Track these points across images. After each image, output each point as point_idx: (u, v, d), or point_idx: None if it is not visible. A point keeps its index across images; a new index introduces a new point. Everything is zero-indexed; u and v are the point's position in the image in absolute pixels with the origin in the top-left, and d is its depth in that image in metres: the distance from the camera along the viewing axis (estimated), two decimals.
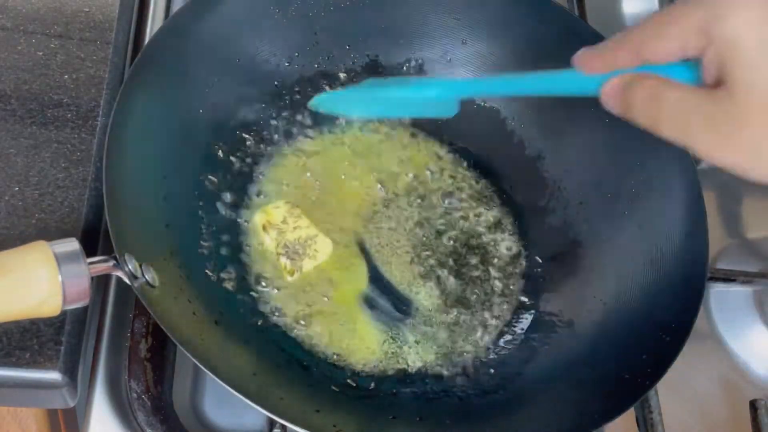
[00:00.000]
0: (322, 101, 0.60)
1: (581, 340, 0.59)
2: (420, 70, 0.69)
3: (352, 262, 0.62)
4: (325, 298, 0.60)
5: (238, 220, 0.61)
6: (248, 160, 0.64)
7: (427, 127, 0.69)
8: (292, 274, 0.59)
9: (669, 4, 0.45)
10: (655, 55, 0.43)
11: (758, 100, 0.39)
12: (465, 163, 0.68)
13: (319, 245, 0.61)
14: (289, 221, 0.61)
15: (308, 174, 0.65)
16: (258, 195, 0.63)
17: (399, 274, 0.62)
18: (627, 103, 0.44)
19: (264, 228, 0.60)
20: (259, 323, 0.57)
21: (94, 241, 0.56)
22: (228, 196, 0.62)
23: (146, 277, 0.50)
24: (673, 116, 0.42)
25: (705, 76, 0.41)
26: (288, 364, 0.56)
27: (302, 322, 0.58)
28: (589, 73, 0.46)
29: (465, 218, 0.65)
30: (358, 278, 0.61)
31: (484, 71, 0.69)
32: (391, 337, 0.59)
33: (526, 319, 0.62)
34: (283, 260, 0.60)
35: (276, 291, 0.59)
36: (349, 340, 0.58)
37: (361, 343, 0.58)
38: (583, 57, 0.46)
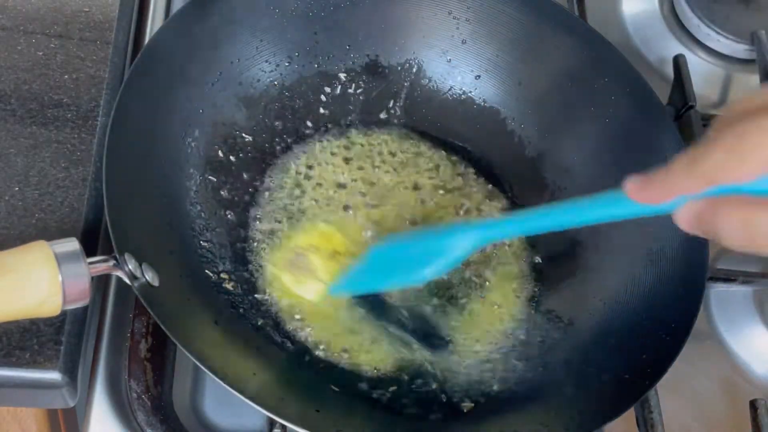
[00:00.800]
0: (340, 289, 0.57)
1: (581, 340, 0.59)
2: (420, 70, 0.69)
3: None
4: (327, 299, 0.60)
5: (239, 220, 0.61)
6: (248, 160, 0.64)
7: (427, 129, 0.69)
8: (274, 265, 0.59)
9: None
10: (732, 180, 0.38)
11: None
12: (464, 163, 0.68)
13: (309, 286, 0.59)
14: (332, 256, 0.60)
15: (308, 174, 0.65)
16: (258, 195, 0.63)
17: None
18: (713, 229, 0.40)
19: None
20: (259, 323, 0.57)
21: (94, 241, 0.56)
22: (228, 196, 0.62)
23: (146, 277, 0.50)
24: None
25: None
26: (288, 364, 0.56)
27: (303, 322, 0.58)
28: (648, 204, 0.42)
29: (464, 218, 0.65)
30: None
31: (484, 71, 0.69)
32: (392, 337, 0.59)
33: (526, 320, 0.61)
34: (286, 254, 0.59)
35: (276, 291, 0.59)
36: (350, 341, 0.58)
37: (362, 343, 0.58)
38: (638, 189, 0.42)
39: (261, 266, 0.60)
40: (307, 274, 0.59)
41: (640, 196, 0.42)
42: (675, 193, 0.41)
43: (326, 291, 0.58)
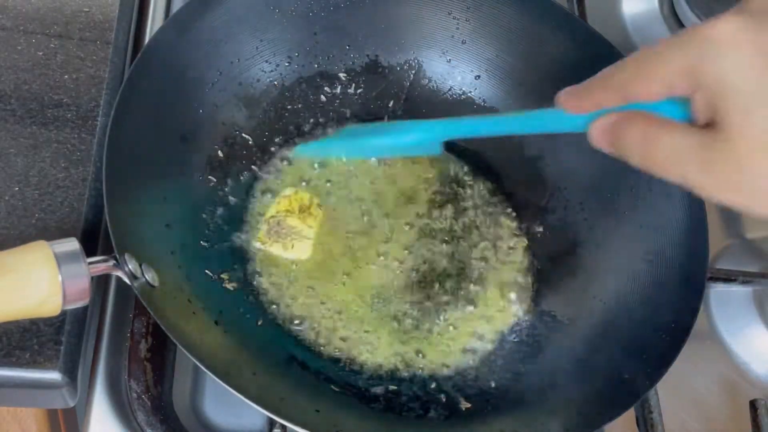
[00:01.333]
0: (305, 149, 0.63)
1: (581, 340, 0.59)
2: (420, 70, 0.70)
3: (355, 266, 0.61)
4: (327, 299, 0.60)
5: (239, 219, 0.61)
6: (248, 160, 0.64)
7: None
8: (261, 242, 0.60)
9: (666, 17, 0.45)
10: (640, 96, 0.42)
11: (754, 143, 0.38)
12: (464, 163, 0.68)
13: (297, 246, 0.61)
14: (302, 210, 0.62)
15: (308, 176, 0.65)
16: (258, 195, 0.63)
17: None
18: (617, 143, 0.43)
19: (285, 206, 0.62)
20: (259, 323, 0.57)
21: (94, 241, 0.56)
22: (228, 196, 0.62)
23: (146, 277, 0.50)
24: (668, 159, 0.41)
25: (696, 116, 0.41)
26: (288, 364, 0.56)
27: (303, 322, 0.58)
28: (574, 113, 0.45)
29: (464, 218, 0.65)
30: (361, 281, 0.61)
31: (484, 71, 0.69)
32: (392, 336, 0.59)
33: (526, 319, 0.62)
34: (265, 227, 0.61)
35: (277, 291, 0.59)
36: (351, 340, 0.58)
37: (362, 343, 0.58)
38: (567, 97, 0.46)
39: (260, 272, 0.60)
40: (291, 237, 0.61)
41: (567, 104, 0.46)
42: (596, 105, 0.44)
43: (312, 246, 0.61)
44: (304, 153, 0.64)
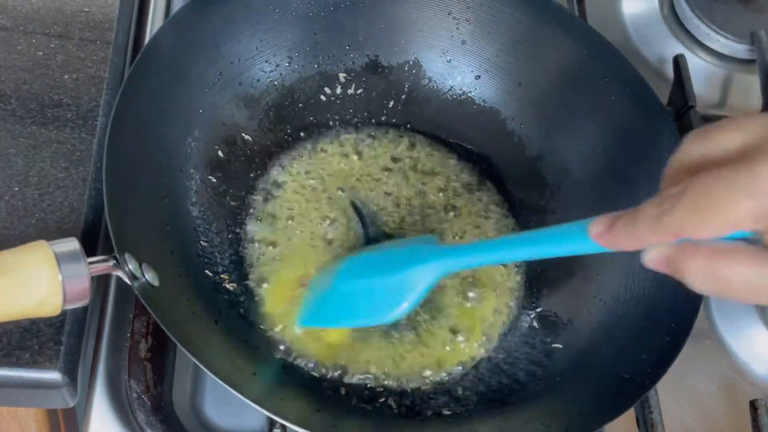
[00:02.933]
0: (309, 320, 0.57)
1: (581, 340, 0.59)
2: (420, 70, 0.70)
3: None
4: None
5: (239, 219, 0.61)
6: (248, 160, 0.64)
7: (427, 129, 0.69)
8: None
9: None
10: (697, 237, 0.38)
11: None
12: (464, 164, 0.68)
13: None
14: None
15: (308, 174, 0.65)
16: (258, 195, 0.63)
17: None
18: (679, 275, 0.39)
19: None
20: (259, 323, 0.57)
21: (94, 241, 0.56)
22: (228, 196, 0.62)
23: (146, 277, 0.50)
24: (742, 289, 0.38)
25: (765, 243, 0.38)
26: (288, 364, 0.56)
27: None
28: (614, 249, 0.42)
29: (464, 218, 0.65)
30: None
31: (484, 71, 0.69)
32: (392, 337, 0.59)
33: (526, 319, 0.62)
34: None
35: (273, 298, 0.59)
36: (351, 341, 0.58)
37: (363, 343, 0.58)
38: (600, 232, 0.42)
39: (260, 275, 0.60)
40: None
41: (601, 241, 0.42)
42: (640, 244, 0.41)
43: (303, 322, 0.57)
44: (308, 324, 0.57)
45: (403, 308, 0.53)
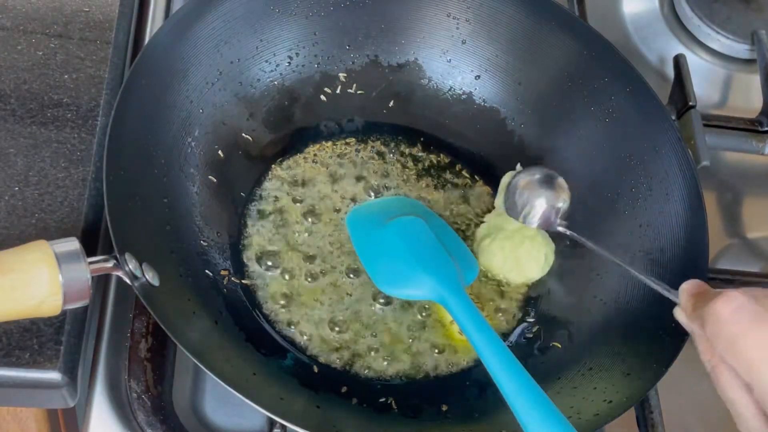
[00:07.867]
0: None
1: (581, 340, 0.59)
2: (420, 70, 0.70)
3: (356, 268, 0.61)
4: (326, 299, 0.60)
5: (239, 219, 0.61)
6: (248, 160, 0.64)
7: (427, 129, 0.69)
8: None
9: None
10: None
11: None
12: (464, 163, 0.68)
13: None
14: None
15: (308, 174, 0.65)
16: (258, 195, 0.63)
17: None
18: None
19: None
20: (259, 323, 0.57)
21: (94, 241, 0.56)
22: (228, 196, 0.62)
23: (146, 277, 0.50)
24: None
25: None
26: (288, 363, 0.56)
27: (302, 322, 0.58)
28: None
29: (465, 218, 0.65)
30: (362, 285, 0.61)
31: (484, 71, 0.69)
32: (389, 337, 0.59)
33: (526, 320, 0.62)
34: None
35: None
36: (350, 340, 0.58)
37: (362, 343, 0.58)
38: None
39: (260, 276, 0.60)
40: None
41: None
42: None
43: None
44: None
45: (398, 291, 0.58)
